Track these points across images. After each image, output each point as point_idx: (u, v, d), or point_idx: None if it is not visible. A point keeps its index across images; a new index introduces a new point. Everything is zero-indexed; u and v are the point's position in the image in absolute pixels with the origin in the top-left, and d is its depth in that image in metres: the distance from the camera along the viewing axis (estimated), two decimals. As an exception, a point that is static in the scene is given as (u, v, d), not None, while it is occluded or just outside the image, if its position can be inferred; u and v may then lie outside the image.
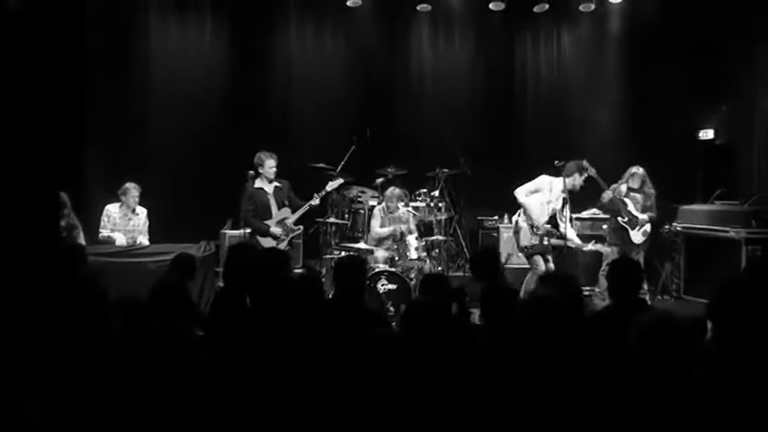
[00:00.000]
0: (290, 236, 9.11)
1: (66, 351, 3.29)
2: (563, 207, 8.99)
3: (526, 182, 9.10)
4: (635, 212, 9.23)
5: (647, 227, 9.28)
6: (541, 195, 9.03)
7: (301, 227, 9.30)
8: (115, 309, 3.63)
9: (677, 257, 9.92)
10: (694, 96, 11.11)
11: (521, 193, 9.09)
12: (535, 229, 8.95)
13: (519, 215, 9.17)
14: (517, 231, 9.16)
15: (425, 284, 5.61)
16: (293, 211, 9.12)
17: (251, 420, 2.97)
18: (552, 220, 9.09)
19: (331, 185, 9.29)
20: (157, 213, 9.61)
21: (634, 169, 9.38)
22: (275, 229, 8.98)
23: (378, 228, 9.57)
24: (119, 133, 10.73)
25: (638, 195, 9.31)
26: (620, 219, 9.23)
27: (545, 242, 8.99)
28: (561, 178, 8.94)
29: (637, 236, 9.20)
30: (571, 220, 9.30)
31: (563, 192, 8.91)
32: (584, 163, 8.96)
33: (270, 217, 9.03)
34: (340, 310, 4.61)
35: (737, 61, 10.44)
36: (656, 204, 9.38)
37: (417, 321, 3.98)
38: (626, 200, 9.27)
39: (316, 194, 9.15)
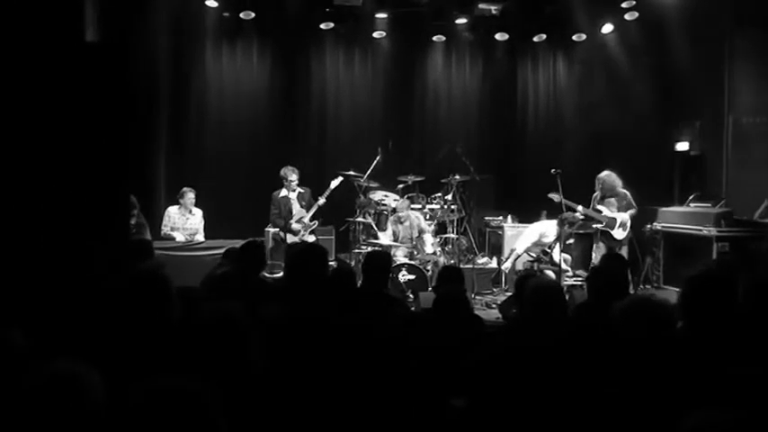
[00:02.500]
0: (309, 229, 9.40)
1: (134, 331, 3.31)
2: (557, 240, 9.05)
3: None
4: (611, 214, 9.07)
5: (627, 223, 9.15)
6: (540, 243, 9.19)
7: (316, 221, 9.52)
8: (177, 296, 3.64)
9: (657, 252, 9.84)
10: (672, 113, 11.05)
11: (521, 247, 9.37)
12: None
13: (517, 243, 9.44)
14: (516, 257, 9.50)
15: (444, 275, 5.62)
16: (307, 211, 9.42)
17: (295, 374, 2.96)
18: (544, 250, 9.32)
19: (333, 184, 9.57)
20: (211, 214, 9.68)
21: (600, 177, 9.22)
22: (295, 225, 9.33)
23: (383, 237, 9.63)
24: (179, 147, 10.83)
25: (612, 199, 9.17)
26: (598, 226, 9.14)
27: (535, 268, 9.09)
28: (554, 224, 9.07)
29: (618, 233, 9.11)
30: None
31: (557, 233, 9.00)
32: (565, 214, 8.97)
33: (291, 217, 9.34)
34: (368, 297, 4.65)
35: (709, 84, 10.38)
36: (634, 200, 9.24)
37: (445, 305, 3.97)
38: (599, 207, 9.12)
39: (320, 196, 9.48)
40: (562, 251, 9.12)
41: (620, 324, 3.11)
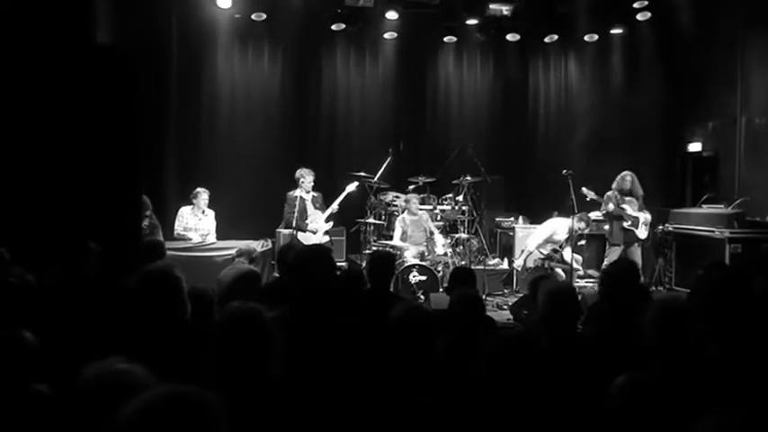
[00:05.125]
0: (324, 229, 9.37)
1: (146, 330, 3.31)
2: (567, 239, 9.01)
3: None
4: (634, 213, 9.14)
5: (649, 221, 9.22)
6: (552, 240, 9.15)
7: (332, 222, 9.46)
8: (188, 296, 3.62)
9: (669, 254, 9.81)
10: (685, 115, 11.01)
11: (532, 244, 9.30)
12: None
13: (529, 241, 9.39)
14: (528, 254, 9.48)
15: (455, 276, 5.59)
16: (322, 212, 9.40)
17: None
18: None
19: (349, 188, 9.54)
20: (223, 215, 9.68)
21: (627, 176, 9.27)
22: (312, 226, 9.29)
23: (397, 240, 9.59)
24: (192, 147, 10.85)
25: (632, 198, 9.21)
26: (624, 224, 9.14)
27: (546, 265, 9.07)
28: (568, 220, 8.97)
29: (641, 232, 9.16)
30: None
31: (568, 232, 8.94)
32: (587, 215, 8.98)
33: (307, 218, 9.30)
34: (377, 297, 4.65)
35: (722, 86, 10.35)
36: (644, 204, 9.31)
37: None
38: (624, 205, 9.17)
39: (334, 202, 9.42)
40: (573, 252, 9.10)
41: (653, 330, 3.05)
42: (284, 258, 5.82)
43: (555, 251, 9.29)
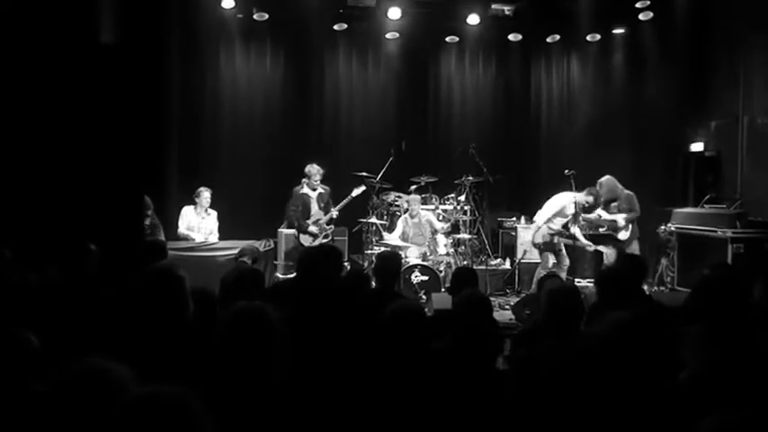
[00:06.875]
0: (324, 233, 9.26)
1: (151, 329, 3.32)
2: (575, 214, 8.97)
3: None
4: (610, 217, 9.11)
5: (625, 224, 9.12)
6: (561, 214, 9.09)
7: (332, 226, 9.39)
8: (191, 295, 3.62)
9: (672, 254, 9.79)
10: (687, 114, 10.99)
11: (541, 219, 9.18)
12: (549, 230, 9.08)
13: (538, 216, 9.25)
14: (536, 229, 9.27)
15: (457, 276, 5.58)
16: (325, 214, 9.28)
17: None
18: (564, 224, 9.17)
19: (355, 192, 9.45)
20: (225, 214, 9.68)
21: (599, 185, 9.22)
22: (312, 228, 9.20)
23: (395, 237, 9.57)
24: (194, 148, 10.87)
25: (615, 202, 9.19)
26: (601, 229, 9.15)
27: (555, 240, 9.02)
28: (578, 194, 8.95)
29: (622, 234, 9.11)
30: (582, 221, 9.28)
31: (577, 206, 8.92)
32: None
33: (309, 217, 9.22)
34: (381, 297, 4.65)
35: (724, 85, 10.33)
36: (637, 202, 9.20)
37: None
38: (599, 211, 9.14)
39: (333, 208, 9.30)
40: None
41: None
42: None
43: (566, 227, 9.21)
